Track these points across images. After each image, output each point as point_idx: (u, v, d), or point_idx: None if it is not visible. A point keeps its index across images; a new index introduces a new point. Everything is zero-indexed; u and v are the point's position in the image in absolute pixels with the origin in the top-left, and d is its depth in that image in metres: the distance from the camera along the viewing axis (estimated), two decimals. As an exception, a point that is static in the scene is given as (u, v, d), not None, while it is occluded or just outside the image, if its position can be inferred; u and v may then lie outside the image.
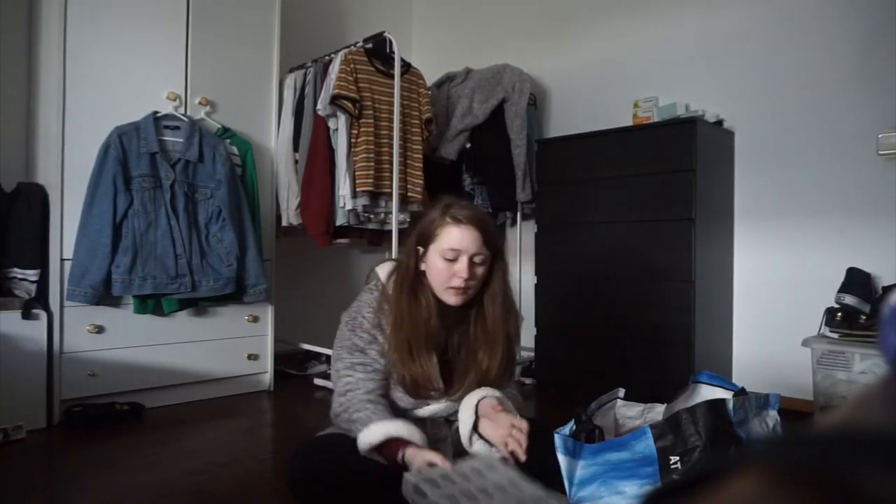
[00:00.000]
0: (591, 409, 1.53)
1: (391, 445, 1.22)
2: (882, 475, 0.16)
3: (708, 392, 1.55)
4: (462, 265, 1.30)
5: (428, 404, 1.39)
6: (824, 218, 2.31)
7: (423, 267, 1.36)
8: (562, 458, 1.31)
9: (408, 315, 1.33)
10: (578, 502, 1.30)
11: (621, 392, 1.63)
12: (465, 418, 1.33)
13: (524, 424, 1.25)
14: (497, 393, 1.37)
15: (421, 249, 1.36)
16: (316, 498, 1.23)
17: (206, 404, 2.41)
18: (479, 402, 1.34)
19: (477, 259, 1.32)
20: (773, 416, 1.41)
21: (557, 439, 1.31)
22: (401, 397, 1.37)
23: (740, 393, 1.44)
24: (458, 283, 1.31)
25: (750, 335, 2.51)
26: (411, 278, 1.36)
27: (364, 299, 1.41)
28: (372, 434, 1.22)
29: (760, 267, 2.48)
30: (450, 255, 1.31)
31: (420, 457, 1.18)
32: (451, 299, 1.33)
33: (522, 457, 1.22)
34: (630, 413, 1.60)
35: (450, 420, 1.45)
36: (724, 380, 1.59)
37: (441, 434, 1.41)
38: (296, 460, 1.30)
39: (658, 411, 1.56)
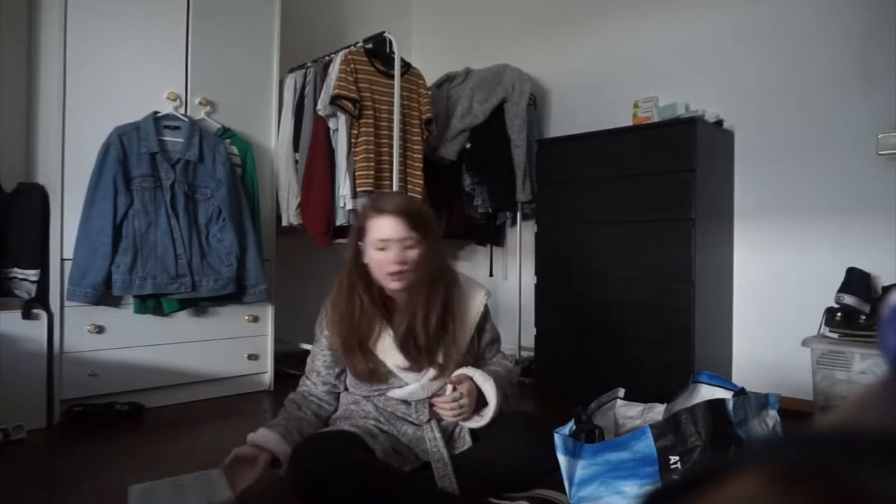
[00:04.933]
0: (591, 409, 1.53)
1: None
2: (882, 475, 0.16)
3: (707, 392, 1.55)
4: (392, 253, 1.40)
5: (398, 386, 1.46)
6: (824, 218, 2.31)
7: (366, 260, 1.45)
8: (562, 458, 1.31)
9: (347, 311, 1.44)
10: (579, 502, 1.30)
11: (621, 392, 1.63)
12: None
13: (452, 393, 1.40)
14: (467, 371, 1.46)
15: (361, 245, 1.45)
16: (317, 496, 1.23)
17: (206, 404, 2.41)
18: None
19: (407, 243, 1.41)
20: (773, 416, 1.41)
21: (557, 439, 1.31)
22: (358, 384, 1.48)
23: (740, 393, 1.44)
24: (393, 268, 1.40)
25: (750, 335, 2.51)
26: (353, 275, 1.46)
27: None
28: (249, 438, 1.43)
29: (760, 267, 2.48)
30: (380, 244, 1.40)
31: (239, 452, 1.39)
32: (393, 285, 1.43)
33: (451, 418, 1.41)
34: (630, 413, 1.60)
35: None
36: (724, 380, 1.59)
37: (422, 417, 1.43)
38: (297, 459, 1.30)
39: (658, 411, 1.56)
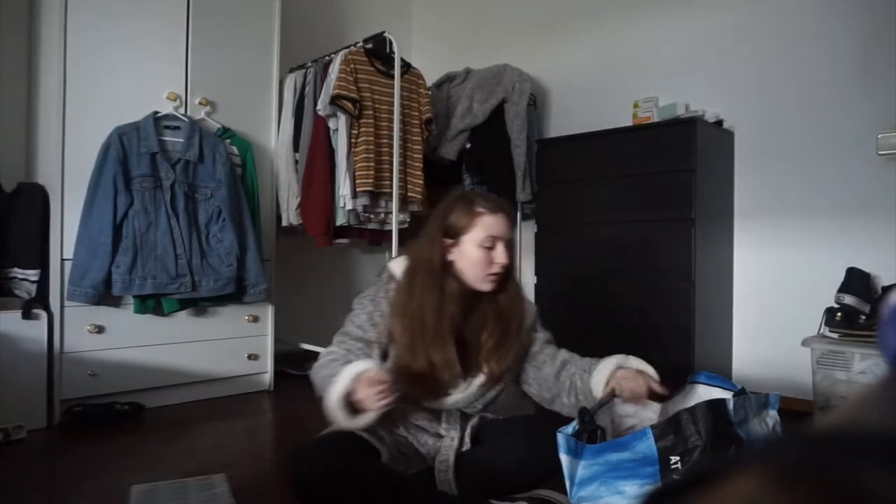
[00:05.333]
0: (593, 408, 1.53)
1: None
2: (882, 475, 0.16)
3: (704, 392, 1.55)
4: (500, 251, 1.36)
5: (448, 394, 1.40)
6: (824, 218, 2.31)
7: (450, 258, 1.38)
8: (563, 458, 1.31)
9: (430, 309, 1.33)
10: (579, 502, 1.30)
11: (621, 392, 1.63)
12: (600, 377, 1.45)
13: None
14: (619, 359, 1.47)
15: (448, 242, 1.38)
16: (318, 498, 1.23)
17: (206, 404, 2.41)
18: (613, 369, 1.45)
19: (508, 243, 1.39)
20: (773, 416, 1.41)
21: (560, 438, 1.31)
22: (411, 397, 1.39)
23: (740, 393, 1.44)
24: (497, 269, 1.36)
25: (750, 335, 2.51)
26: (437, 271, 1.37)
27: (369, 294, 1.43)
28: (338, 386, 1.18)
29: (760, 267, 2.48)
30: (488, 242, 1.35)
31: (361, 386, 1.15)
32: (488, 286, 1.38)
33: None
34: (624, 411, 1.61)
35: (466, 413, 1.45)
36: (722, 380, 1.59)
37: (454, 431, 1.41)
38: (297, 460, 1.30)
39: (654, 409, 1.56)
